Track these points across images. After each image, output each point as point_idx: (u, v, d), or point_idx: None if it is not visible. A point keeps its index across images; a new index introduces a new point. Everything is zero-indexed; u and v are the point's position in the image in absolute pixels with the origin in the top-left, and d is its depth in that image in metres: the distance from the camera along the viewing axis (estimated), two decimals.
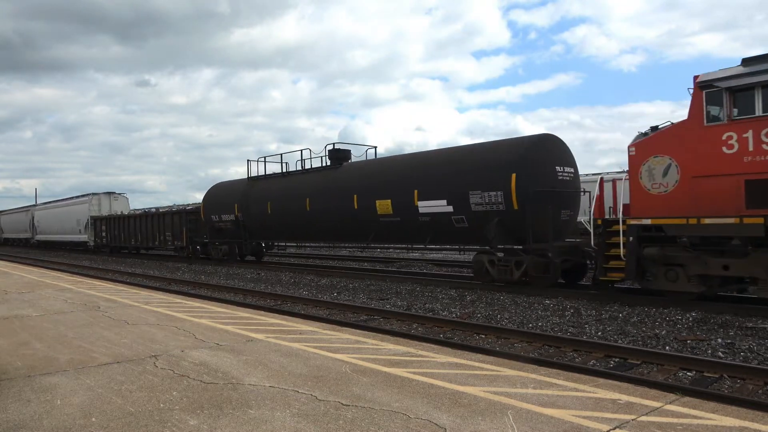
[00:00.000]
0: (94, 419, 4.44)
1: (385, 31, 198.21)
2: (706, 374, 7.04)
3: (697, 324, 9.86)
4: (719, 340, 8.59)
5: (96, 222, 39.67)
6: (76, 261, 33.25)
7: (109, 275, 22.63)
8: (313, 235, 22.23)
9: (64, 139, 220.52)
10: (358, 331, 8.30)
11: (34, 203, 62.40)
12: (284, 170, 23.70)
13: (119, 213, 39.54)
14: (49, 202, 53.66)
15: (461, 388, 5.03)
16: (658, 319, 10.29)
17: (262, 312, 10.41)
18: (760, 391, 6.41)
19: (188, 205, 41.27)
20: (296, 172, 22.76)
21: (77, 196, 46.05)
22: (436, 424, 4.18)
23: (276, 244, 28.02)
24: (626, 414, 4.32)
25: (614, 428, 4.03)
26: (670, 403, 4.60)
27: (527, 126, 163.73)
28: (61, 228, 45.99)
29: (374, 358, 6.18)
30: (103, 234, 38.16)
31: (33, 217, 53.83)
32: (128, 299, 11.70)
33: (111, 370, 5.94)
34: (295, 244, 33.15)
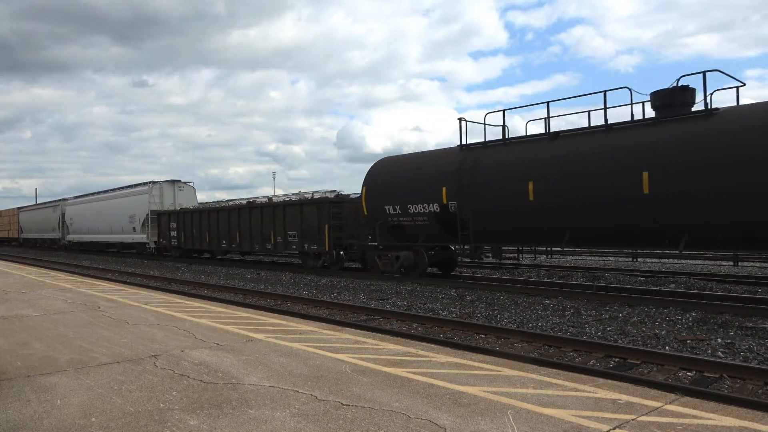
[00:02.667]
0: (94, 419, 4.44)
1: (383, 32, 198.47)
2: (706, 374, 7.04)
3: (697, 324, 9.86)
4: (719, 340, 8.59)
5: (160, 218, 31.17)
6: (76, 261, 33.21)
7: (109, 275, 22.63)
8: (661, 237, 12.25)
9: (64, 139, 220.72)
10: (358, 331, 8.30)
11: (29, 202, 53.27)
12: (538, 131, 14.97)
13: (191, 206, 32.17)
14: (87, 195, 43.52)
15: (461, 388, 5.03)
16: (658, 319, 10.29)
17: (262, 312, 10.41)
18: (760, 391, 6.41)
19: (327, 192, 28.22)
20: (586, 129, 13.72)
21: (131, 186, 36.78)
22: (436, 424, 4.18)
23: (503, 249, 16.96)
24: (626, 414, 4.32)
25: (614, 428, 4.03)
26: (670, 403, 4.60)
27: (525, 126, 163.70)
28: (106, 226, 37.17)
29: (374, 358, 6.18)
30: (173, 233, 29.68)
31: (63, 214, 44.73)
32: (128, 299, 11.70)
33: (111, 370, 5.94)
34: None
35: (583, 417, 4.25)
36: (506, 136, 15.48)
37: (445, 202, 15.78)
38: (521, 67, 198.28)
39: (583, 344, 8.53)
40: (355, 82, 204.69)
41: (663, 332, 9.30)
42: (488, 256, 17.66)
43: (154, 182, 33.66)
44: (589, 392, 4.90)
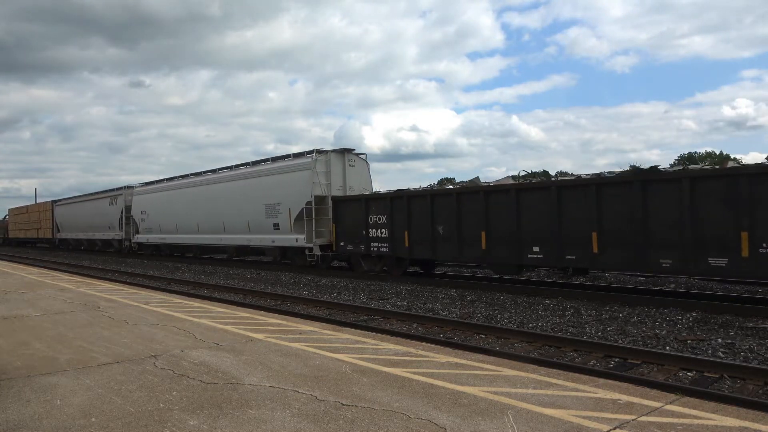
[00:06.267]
0: (93, 419, 4.44)
1: (380, 33, 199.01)
2: (706, 374, 7.03)
3: (698, 324, 9.86)
4: (719, 340, 8.59)
5: (340, 207, 19.13)
6: (76, 261, 33.14)
7: (109, 275, 22.61)
8: None
9: (63, 139, 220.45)
10: (358, 331, 8.30)
11: (127, 185, 35.08)
12: None
13: (363, 191, 20.75)
14: (171, 179, 30.45)
15: (461, 388, 5.02)
16: (658, 319, 10.29)
17: (262, 312, 10.40)
18: (760, 391, 6.41)
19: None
20: None
21: (268, 159, 23.56)
22: (436, 424, 4.18)
23: None
24: (626, 414, 4.31)
25: (614, 428, 4.03)
26: (671, 403, 4.59)
27: (523, 126, 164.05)
28: (214, 222, 25.12)
29: (374, 358, 6.18)
30: (376, 232, 17.57)
31: (128, 207, 33.03)
32: (128, 299, 11.69)
33: (111, 370, 5.93)
34: None
35: (583, 417, 4.25)
36: None
37: None
38: (518, 68, 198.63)
39: (583, 344, 8.53)
40: (353, 82, 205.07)
41: (663, 332, 9.30)
42: None
43: (319, 152, 20.64)
44: (590, 392, 4.89)
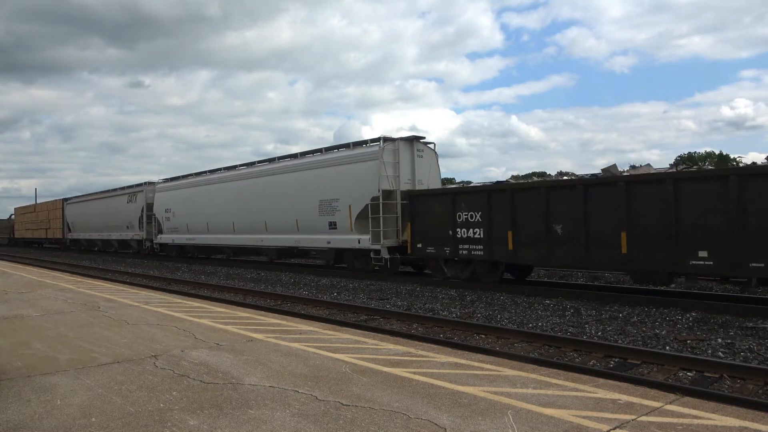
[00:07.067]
0: (94, 419, 4.44)
1: (379, 33, 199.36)
2: (706, 374, 7.04)
3: (697, 324, 9.86)
4: (719, 340, 8.59)
5: (418, 203, 16.61)
6: (76, 261, 33.13)
7: (109, 275, 22.62)
8: None
9: (62, 139, 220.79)
10: (358, 331, 8.30)
11: (148, 180, 32.87)
12: None
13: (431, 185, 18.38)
14: (193, 175, 28.17)
15: (461, 388, 5.03)
16: (658, 319, 10.29)
17: (262, 312, 10.40)
18: (760, 391, 6.41)
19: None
20: None
21: (319, 150, 20.78)
22: (436, 424, 4.18)
23: None
24: (626, 414, 4.32)
25: (614, 428, 4.03)
26: (671, 403, 4.59)
27: (523, 126, 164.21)
28: (253, 220, 22.56)
29: (374, 358, 6.18)
30: (467, 232, 15.08)
31: (149, 204, 30.61)
32: (128, 299, 11.69)
33: (111, 370, 5.94)
34: None
35: (583, 417, 4.25)
36: None
37: None
38: (517, 68, 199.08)
39: (583, 344, 8.53)
40: (353, 82, 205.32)
41: (663, 332, 9.30)
42: None
43: (386, 139, 17.94)
44: (589, 392, 4.90)
